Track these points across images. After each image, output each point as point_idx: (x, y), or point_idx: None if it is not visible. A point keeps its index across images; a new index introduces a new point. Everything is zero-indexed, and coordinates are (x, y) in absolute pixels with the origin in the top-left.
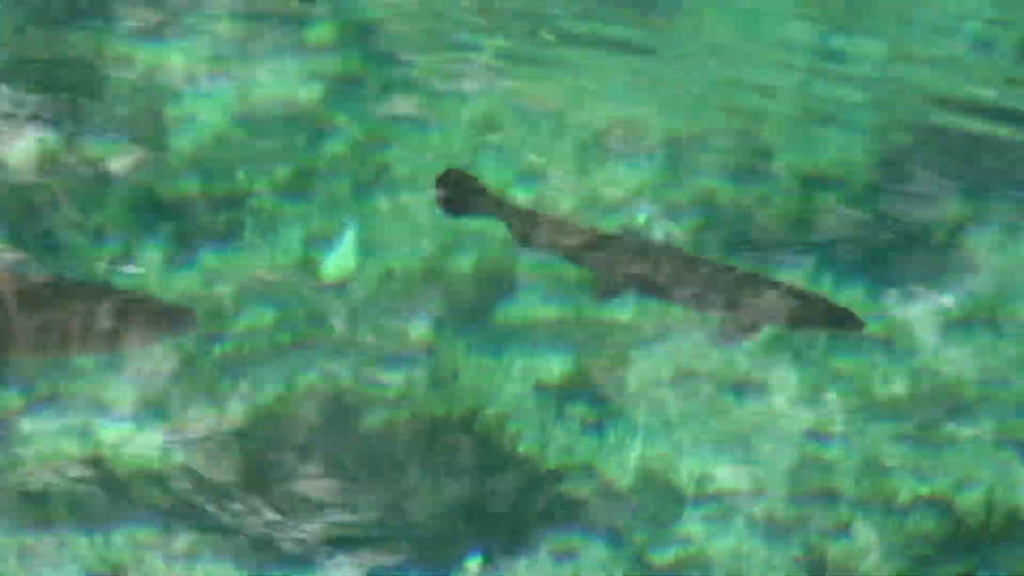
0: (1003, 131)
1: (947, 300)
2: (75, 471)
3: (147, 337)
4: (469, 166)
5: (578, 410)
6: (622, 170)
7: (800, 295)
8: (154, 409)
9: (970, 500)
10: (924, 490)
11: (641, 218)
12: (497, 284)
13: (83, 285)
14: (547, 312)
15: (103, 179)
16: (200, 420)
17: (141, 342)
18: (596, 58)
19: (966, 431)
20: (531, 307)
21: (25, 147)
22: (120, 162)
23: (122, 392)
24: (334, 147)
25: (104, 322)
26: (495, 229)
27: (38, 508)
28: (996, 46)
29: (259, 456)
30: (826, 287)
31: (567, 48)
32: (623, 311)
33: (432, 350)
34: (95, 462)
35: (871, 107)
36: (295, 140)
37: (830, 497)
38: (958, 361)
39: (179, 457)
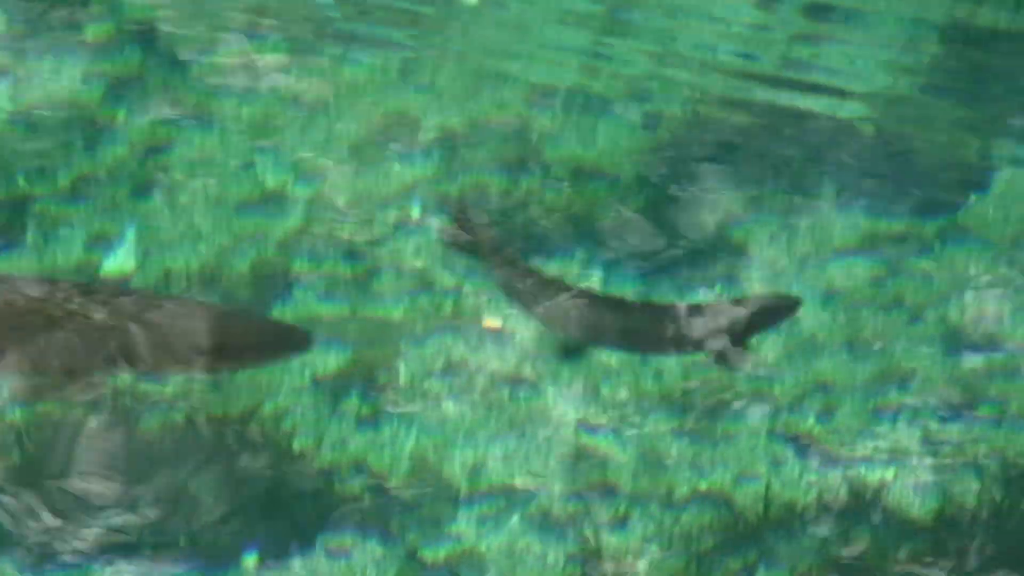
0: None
1: (718, 292)
2: None
3: (265, 357)
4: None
5: (353, 405)
6: (397, 165)
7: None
8: None
9: (747, 494)
10: (702, 484)
11: (415, 212)
12: (273, 283)
13: (200, 304)
14: (322, 309)
15: None
16: None
17: (259, 362)
18: (372, 55)
19: (741, 425)
20: (307, 304)
21: None
22: None
23: None
24: (114, 148)
25: (223, 342)
26: (272, 229)
27: None
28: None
29: (36, 459)
30: (598, 279)
31: (344, 46)
32: (397, 308)
33: None
34: None
35: (639, 101)
36: (74, 141)
37: (606, 492)
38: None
39: None
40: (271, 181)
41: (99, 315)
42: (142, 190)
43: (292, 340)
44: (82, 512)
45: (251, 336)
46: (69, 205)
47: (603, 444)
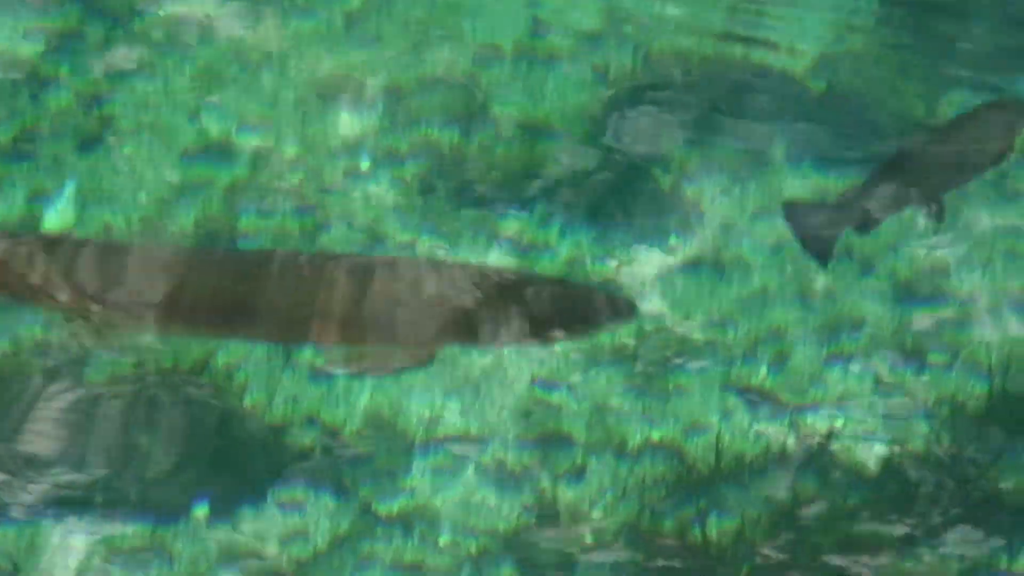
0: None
1: (673, 244)
2: None
3: (592, 327)
4: None
5: (306, 358)
6: (344, 118)
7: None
8: None
9: (699, 445)
10: (654, 435)
11: (364, 165)
12: (218, 238)
13: (524, 275)
14: None
15: None
16: None
17: (585, 332)
18: (317, 3)
19: (693, 377)
20: None
21: None
22: None
23: None
24: (57, 101)
25: (552, 312)
26: (218, 181)
27: None
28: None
29: None
30: (553, 235)
31: None
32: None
33: None
34: None
35: (588, 57)
36: (15, 96)
37: (561, 443)
38: (683, 306)
39: None
40: (216, 133)
41: (431, 290)
42: (85, 144)
43: (619, 309)
44: (30, 468)
45: (581, 306)
46: (11, 163)
47: (557, 397)
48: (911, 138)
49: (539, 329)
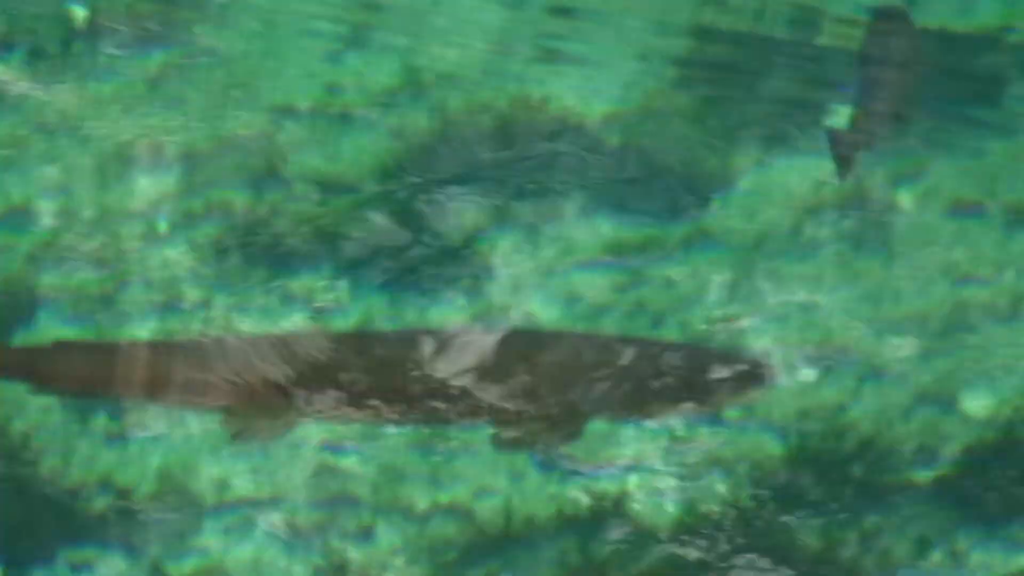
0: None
1: (465, 303)
2: None
3: (734, 395)
4: None
5: (101, 423)
6: (143, 181)
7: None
8: None
9: (488, 507)
10: (443, 498)
11: (161, 227)
12: (18, 301)
13: (660, 344)
14: (67, 333)
15: None
16: None
17: (729, 401)
18: (118, 66)
19: (482, 436)
20: (50, 327)
21: None
22: None
23: None
24: None
25: (700, 381)
26: (17, 245)
27: None
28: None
29: None
30: (346, 293)
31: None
32: (144, 323)
33: None
34: None
35: (389, 110)
36: None
37: (350, 504)
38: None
39: None
40: (16, 198)
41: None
42: None
43: (758, 375)
44: None
45: (722, 373)
46: None
47: (345, 459)
48: (854, 70)
49: (700, 398)
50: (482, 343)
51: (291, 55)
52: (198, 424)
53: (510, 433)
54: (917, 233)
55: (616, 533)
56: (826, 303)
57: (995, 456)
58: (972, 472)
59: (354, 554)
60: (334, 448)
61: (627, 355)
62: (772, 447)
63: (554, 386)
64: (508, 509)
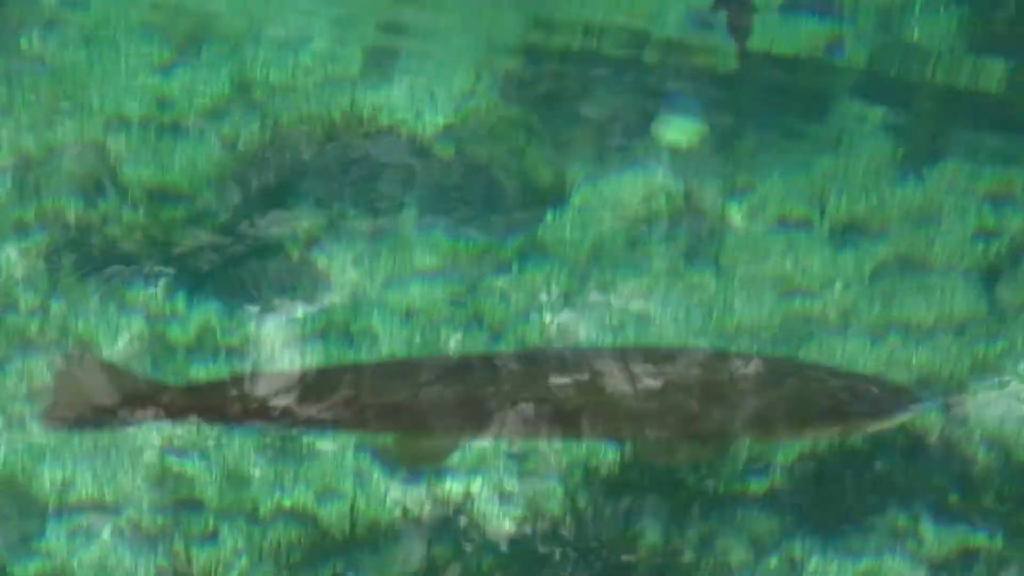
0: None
1: (301, 316)
2: None
3: (878, 421)
4: None
5: None
6: None
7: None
8: None
9: (333, 510)
10: (286, 502)
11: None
12: None
13: (809, 366)
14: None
15: None
16: None
17: (871, 426)
18: None
19: (326, 441)
20: None
21: None
22: None
23: None
24: None
25: (849, 406)
26: None
27: None
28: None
29: None
30: (181, 304)
31: None
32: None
33: None
34: None
35: (221, 121)
36: None
37: (194, 508)
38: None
39: None
40: None
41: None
42: None
43: (904, 401)
44: None
45: (870, 398)
46: None
47: (189, 464)
48: None
49: (848, 422)
50: (652, 363)
51: (121, 65)
52: (38, 429)
53: (661, 450)
54: (747, 246)
55: (459, 535)
56: (659, 314)
57: (830, 465)
58: (807, 481)
59: (197, 555)
60: (177, 453)
61: (778, 375)
62: (609, 453)
63: (707, 406)
64: (352, 511)
